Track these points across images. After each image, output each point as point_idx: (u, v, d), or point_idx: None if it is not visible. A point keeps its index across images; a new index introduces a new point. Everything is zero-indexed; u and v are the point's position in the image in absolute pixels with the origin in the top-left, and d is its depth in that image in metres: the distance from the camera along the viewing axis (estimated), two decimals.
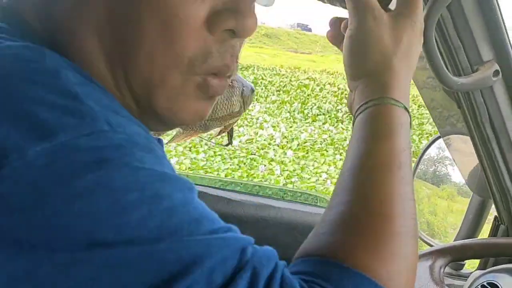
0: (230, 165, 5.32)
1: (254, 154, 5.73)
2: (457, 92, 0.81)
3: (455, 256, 0.69)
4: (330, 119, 8.18)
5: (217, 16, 0.42)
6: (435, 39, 0.74)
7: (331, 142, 6.82)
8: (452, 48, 0.73)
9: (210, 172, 4.93)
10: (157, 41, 0.41)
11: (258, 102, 9.10)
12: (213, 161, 5.34)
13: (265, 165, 5.41)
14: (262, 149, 5.99)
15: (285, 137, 6.73)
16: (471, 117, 0.81)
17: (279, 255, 1.04)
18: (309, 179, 5.37)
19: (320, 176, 5.45)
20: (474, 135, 0.84)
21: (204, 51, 0.43)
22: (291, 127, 7.42)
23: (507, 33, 0.73)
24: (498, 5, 0.71)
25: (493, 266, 0.88)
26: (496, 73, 0.73)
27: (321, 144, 6.68)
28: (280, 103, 9.02)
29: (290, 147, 6.31)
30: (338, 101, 9.18)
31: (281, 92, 10.02)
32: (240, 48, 0.48)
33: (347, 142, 6.58)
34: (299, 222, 0.97)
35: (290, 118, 8.07)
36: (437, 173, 1.37)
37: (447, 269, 1.01)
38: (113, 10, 0.41)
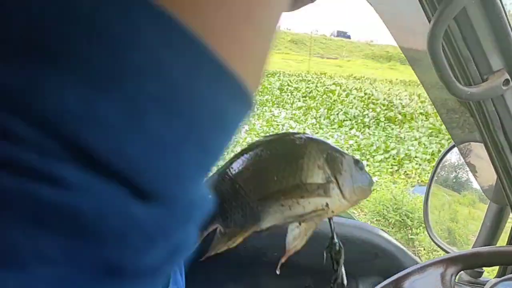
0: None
1: None
2: (468, 101, 0.81)
3: (466, 264, 0.70)
4: (356, 124, 8.13)
5: None
6: (445, 50, 0.76)
7: (358, 147, 6.78)
8: (461, 58, 0.74)
9: None
10: None
11: (284, 108, 9.11)
12: None
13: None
14: None
15: None
16: (483, 125, 0.82)
17: (291, 262, 1.04)
18: None
19: None
20: (488, 143, 0.84)
21: None
22: (317, 133, 7.40)
23: None
24: (505, 14, 0.72)
25: (511, 274, 0.88)
26: (506, 82, 0.74)
27: (347, 150, 6.64)
28: (306, 109, 9.01)
29: None
30: (364, 106, 9.12)
31: (307, 98, 10.02)
32: None
33: (374, 147, 6.51)
34: (314, 230, 0.99)
35: (316, 124, 8.05)
36: (458, 179, 1.36)
37: (466, 277, 1.01)
38: None
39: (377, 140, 7.29)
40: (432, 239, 1.13)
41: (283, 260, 0.54)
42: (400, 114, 8.62)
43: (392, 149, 6.69)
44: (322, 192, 0.49)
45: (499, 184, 0.91)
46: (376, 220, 3.89)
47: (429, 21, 0.70)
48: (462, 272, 1.05)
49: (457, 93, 0.72)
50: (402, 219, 3.75)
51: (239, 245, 0.95)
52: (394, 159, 6.38)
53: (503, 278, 0.85)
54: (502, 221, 0.97)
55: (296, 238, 0.47)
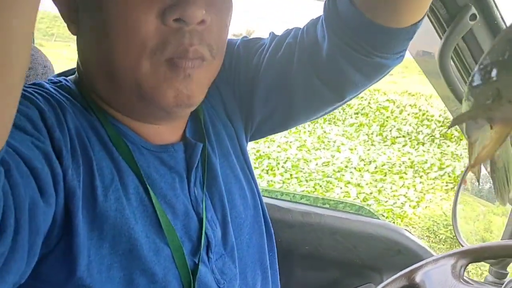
0: (306, 187, 5.42)
1: (331, 177, 5.78)
2: None
3: (475, 257, 0.78)
4: (410, 141, 8.00)
5: (165, 10, 0.56)
6: (457, 66, 0.84)
7: (411, 164, 6.68)
8: (471, 73, 0.83)
9: (286, 194, 5.07)
10: (125, 40, 0.57)
11: (335, 125, 9.13)
12: (289, 183, 5.47)
13: (341, 188, 5.44)
14: (339, 171, 6.02)
15: (363, 159, 6.70)
16: None
17: (321, 256, 1.17)
18: (386, 201, 5.31)
19: (398, 199, 5.37)
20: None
21: (161, 41, 0.57)
22: (368, 149, 7.36)
23: None
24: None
25: None
26: None
27: (400, 167, 6.56)
28: (358, 126, 8.98)
29: (367, 170, 6.28)
30: (419, 122, 8.96)
31: (359, 115, 9.98)
32: (212, 40, 0.61)
33: (428, 164, 6.39)
34: (339, 227, 1.10)
35: (368, 141, 8.01)
36: (492, 189, 1.41)
37: (491, 278, 1.07)
38: (94, 39, 0.60)
39: (432, 157, 7.15)
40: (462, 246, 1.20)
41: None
42: (456, 130, 8.42)
43: (448, 166, 6.55)
44: None
45: None
46: (427, 236, 3.86)
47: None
48: (488, 275, 1.11)
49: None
50: (453, 235, 3.70)
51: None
52: (449, 176, 6.25)
53: None
54: None
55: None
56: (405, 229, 1.18)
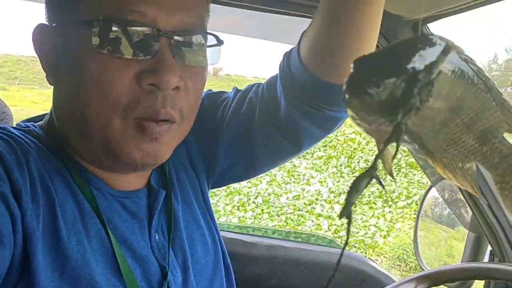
0: (278, 221, 5.42)
1: (302, 210, 5.80)
2: None
3: (433, 280, 0.81)
4: (378, 171, 8.15)
5: (142, 74, 0.59)
6: None
7: (380, 194, 6.79)
8: None
9: (258, 230, 5.06)
10: (99, 97, 0.59)
11: (304, 158, 9.23)
12: (260, 218, 5.47)
13: (312, 221, 5.47)
14: (309, 204, 6.05)
15: (333, 192, 6.76)
16: None
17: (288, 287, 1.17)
18: (357, 232, 5.36)
19: (369, 229, 5.42)
20: None
21: (134, 100, 0.59)
22: (338, 181, 7.44)
23: None
24: None
25: None
26: None
27: (369, 197, 6.65)
28: (327, 158, 9.09)
29: (337, 202, 6.34)
30: None
31: (327, 147, 10.13)
32: (185, 104, 0.63)
33: (396, 193, 6.49)
34: (304, 259, 1.12)
35: (337, 173, 8.11)
36: (451, 215, 1.46)
37: None
38: (69, 92, 0.63)
39: (399, 186, 7.29)
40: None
41: None
42: (421, 159, 8.63)
43: (415, 194, 6.68)
44: None
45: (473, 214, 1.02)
46: (397, 265, 3.90)
47: None
48: None
49: None
50: None
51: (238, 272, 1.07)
52: (417, 204, 6.36)
53: None
54: (480, 249, 1.07)
55: None
56: (375, 259, 1.20)
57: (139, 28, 0.59)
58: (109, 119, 0.60)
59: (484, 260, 1.07)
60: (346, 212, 0.31)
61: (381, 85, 0.31)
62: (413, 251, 4.01)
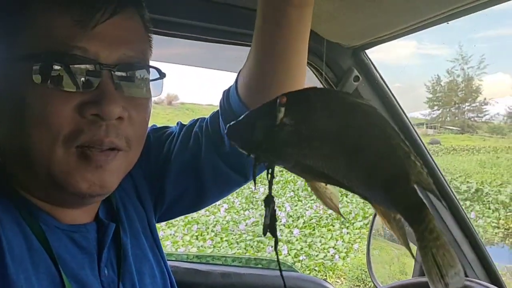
0: (237, 249, 5.38)
1: (261, 236, 5.78)
2: None
3: None
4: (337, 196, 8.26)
5: (84, 105, 0.59)
6: None
7: (337, 216, 6.88)
8: None
9: (217, 258, 4.99)
10: (41, 130, 0.59)
11: (262, 184, 9.25)
12: (220, 247, 5.41)
13: (272, 246, 5.45)
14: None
15: (291, 216, 6.79)
16: None
17: None
18: (317, 255, 5.39)
19: (328, 252, 5.47)
20: None
21: (76, 129, 0.59)
22: (296, 205, 7.48)
23: (407, 117, 0.92)
24: (392, 95, 0.91)
25: None
26: None
27: (327, 220, 6.72)
28: (284, 183, 9.16)
29: (296, 226, 6.37)
30: None
31: (283, 172, 10.22)
32: (131, 133, 0.64)
33: (353, 215, 6.59)
34: (260, 284, 1.12)
35: (294, 197, 8.16)
36: None
37: None
38: (11, 127, 0.62)
39: (355, 207, 7.41)
40: None
41: None
42: None
43: (371, 214, 6.81)
44: None
45: None
46: (357, 285, 3.94)
47: None
48: None
49: None
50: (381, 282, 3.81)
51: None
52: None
53: None
54: None
55: None
56: (335, 281, 1.22)
57: (82, 66, 0.59)
58: (51, 150, 0.59)
59: None
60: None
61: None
62: (371, 280, 4.07)
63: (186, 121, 0.88)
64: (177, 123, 0.88)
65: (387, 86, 0.90)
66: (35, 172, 0.62)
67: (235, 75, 0.78)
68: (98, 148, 0.61)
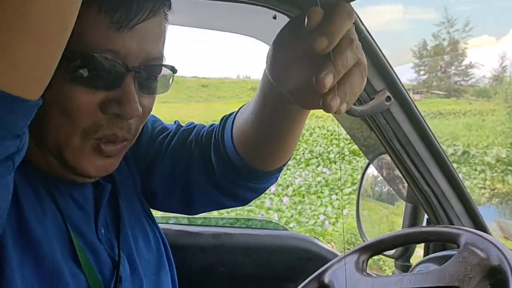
0: (228, 219, 5.42)
1: (251, 205, 5.83)
2: (366, 118, 0.98)
3: (374, 250, 0.84)
4: (323, 161, 8.34)
5: (107, 103, 0.61)
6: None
7: (326, 183, 6.95)
8: None
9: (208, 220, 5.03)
10: (62, 120, 0.61)
11: None
12: (211, 217, 5.44)
13: (262, 215, 5.50)
14: (258, 199, 6.09)
15: (280, 185, 6.84)
16: (381, 137, 0.98)
17: (236, 275, 1.18)
18: (307, 222, 5.46)
19: (318, 218, 5.54)
20: (389, 152, 1.00)
21: (95, 124, 0.62)
22: (285, 174, 7.54)
23: (391, 67, 0.91)
24: (378, 47, 0.89)
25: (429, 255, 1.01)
26: (388, 98, 0.90)
27: (316, 187, 6.79)
28: None
29: (286, 194, 6.43)
30: (328, 142, 9.39)
31: None
32: (138, 124, 0.68)
33: (342, 181, 6.64)
34: (251, 244, 1.13)
35: None
36: (390, 192, 1.52)
37: (397, 272, 1.15)
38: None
39: (344, 173, 7.49)
40: None
41: None
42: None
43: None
44: None
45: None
46: (347, 249, 4.01)
47: None
48: (394, 269, 1.19)
49: (351, 112, 0.87)
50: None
51: (186, 264, 1.07)
52: None
53: (421, 260, 1.00)
54: (418, 218, 1.13)
55: None
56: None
57: (110, 65, 0.60)
58: (68, 139, 0.62)
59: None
60: None
61: None
62: (362, 238, 4.15)
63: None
64: (175, 122, 0.91)
65: (375, 41, 0.89)
66: (46, 151, 0.64)
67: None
68: (112, 142, 0.65)
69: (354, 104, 0.94)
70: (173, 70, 0.69)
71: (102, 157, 0.65)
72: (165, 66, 0.68)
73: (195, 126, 0.88)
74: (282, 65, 0.57)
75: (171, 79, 0.71)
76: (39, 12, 0.36)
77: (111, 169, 0.68)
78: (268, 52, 0.64)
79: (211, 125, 0.86)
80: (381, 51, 0.90)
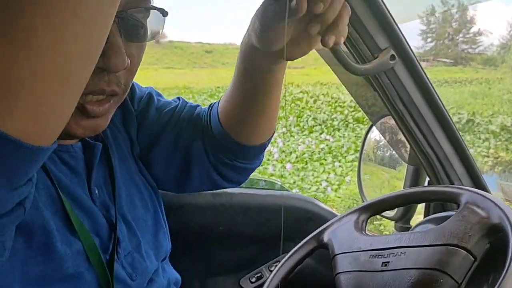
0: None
1: (254, 171, 5.85)
2: (369, 78, 0.96)
3: (374, 210, 0.83)
4: (326, 128, 8.32)
5: None
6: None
7: (329, 150, 6.95)
8: (352, 41, 0.88)
9: None
10: None
11: None
12: None
13: (265, 181, 5.54)
14: (261, 165, 6.10)
15: (283, 151, 6.85)
16: (384, 97, 0.96)
17: (236, 234, 1.19)
18: (309, 188, 5.48)
19: (320, 185, 5.56)
20: (392, 112, 0.98)
21: None
22: (288, 141, 7.54)
23: (396, 25, 0.88)
24: (384, 4, 0.86)
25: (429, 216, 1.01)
26: (392, 57, 0.88)
27: (319, 154, 6.80)
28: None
29: (289, 160, 6.44)
30: (332, 110, 9.34)
31: None
32: (128, 77, 0.64)
33: (345, 148, 6.64)
34: (251, 203, 1.13)
35: (287, 133, 8.21)
36: (392, 156, 1.51)
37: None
38: None
39: (348, 141, 7.48)
40: None
41: None
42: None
43: None
44: None
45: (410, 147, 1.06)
46: None
47: None
48: (394, 231, 1.19)
49: (353, 70, 0.85)
50: None
51: (185, 222, 1.07)
52: None
53: (420, 221, 1.00)
54: (419, 180, 1.12)
55: None
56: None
57: None
58: None
59: None
60: None
61: None
62: (363, 200, 4.18)
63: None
64: (179, 98, 0.92)
65: None
66: None
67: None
68: (98, 96, 0.61)
69: (357, 62, 0.92)
70: (163, 13, 0.64)
71: (87, 118, 0.61)
72: (154, 8, 0.62)
73: (198, 105, 0.91)
74: (272, 33, 0.62)
75: (162, 23, 0.65)
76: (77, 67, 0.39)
77: (99, 129, 0.64)
78: (254, 25, 0.64)
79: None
80: (386, 8, 0.87)
